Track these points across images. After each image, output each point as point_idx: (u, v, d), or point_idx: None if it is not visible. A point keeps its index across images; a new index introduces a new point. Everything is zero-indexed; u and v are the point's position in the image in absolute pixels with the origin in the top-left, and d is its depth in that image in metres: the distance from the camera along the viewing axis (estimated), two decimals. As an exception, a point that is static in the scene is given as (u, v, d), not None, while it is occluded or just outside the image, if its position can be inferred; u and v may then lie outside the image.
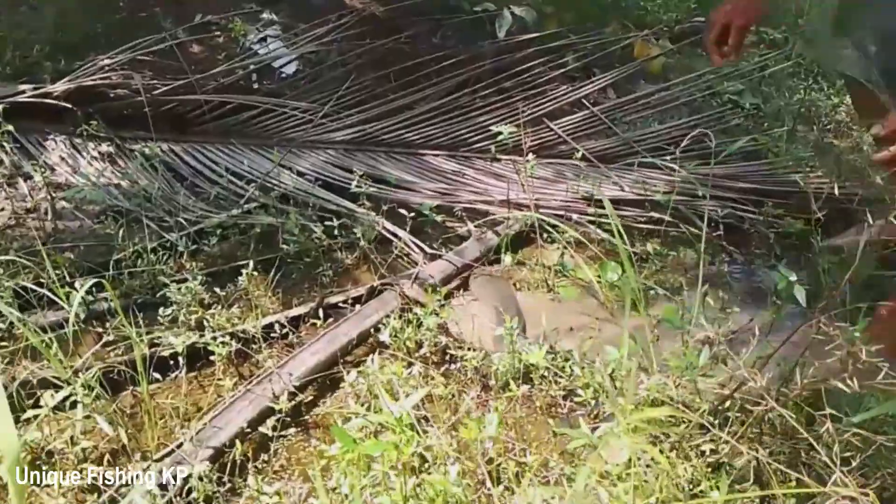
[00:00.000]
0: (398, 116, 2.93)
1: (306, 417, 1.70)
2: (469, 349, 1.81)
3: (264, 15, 3.43)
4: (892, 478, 1.45)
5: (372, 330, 1.90)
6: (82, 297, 1.67)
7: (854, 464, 1.29)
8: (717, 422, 1.53)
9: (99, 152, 2.64)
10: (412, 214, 2.25)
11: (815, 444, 1.22)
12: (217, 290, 1.98)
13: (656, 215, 2.42)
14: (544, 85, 3.17)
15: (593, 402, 1.64)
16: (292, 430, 1.65)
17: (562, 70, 3.25)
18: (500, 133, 2.53)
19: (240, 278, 1.99)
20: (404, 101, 3.00)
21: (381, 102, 2.98)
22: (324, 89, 3.02)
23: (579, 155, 2.58)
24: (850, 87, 2.01)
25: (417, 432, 1.20)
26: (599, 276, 2.21)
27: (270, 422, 1.61)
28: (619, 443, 1.23)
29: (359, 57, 3.14)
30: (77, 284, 1.86)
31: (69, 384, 1.56)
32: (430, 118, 2.94)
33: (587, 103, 3.04)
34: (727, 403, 1.55)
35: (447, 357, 1.85)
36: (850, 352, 1.35)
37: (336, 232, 2.25)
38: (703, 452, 1.52)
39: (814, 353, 1.43)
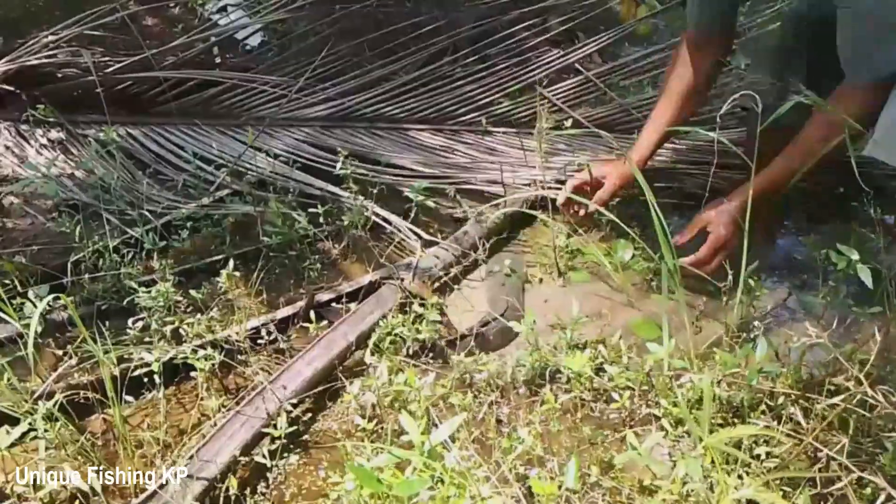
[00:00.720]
0: (377, 88, 2.70)
1: (305, 437, 1.49)
2: (485, 350, 1.62)
3: (223, -18, 3.17)
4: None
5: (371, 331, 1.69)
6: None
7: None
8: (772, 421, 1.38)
9: (48, 139, 2.39)
10: (415, 200, 2.02)
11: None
12: (192, 291, 1.75)
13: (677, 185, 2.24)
14: (529, 51, 2.96)
15: (628, 403, 1.46)
16: (290, 454, 1.45)
17: (547, 35, 3.05)
18: (488, 104, 2.31)
19: (217, 277, 1.78)
20: (382, 71, 2.77)
21: (357, 74, 2.75)
22: (294, 61, 2.78)
23: (568, 123, 2.36)
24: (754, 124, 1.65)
25: (466, 480, 1.01)
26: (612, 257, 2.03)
27: (266, 445, 1.41)
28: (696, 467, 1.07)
29: (329, 25, 2.90)
30: (31, 294, 1.64)
31: (30, 414, 1.34)
32: (412, 89, 2.71)
33: (582, 69, 2.82)
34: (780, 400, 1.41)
35: (461, 359, 1.65)
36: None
37: (321, 220, 2.03)
38: (757, 456, 1.36)
39: None
